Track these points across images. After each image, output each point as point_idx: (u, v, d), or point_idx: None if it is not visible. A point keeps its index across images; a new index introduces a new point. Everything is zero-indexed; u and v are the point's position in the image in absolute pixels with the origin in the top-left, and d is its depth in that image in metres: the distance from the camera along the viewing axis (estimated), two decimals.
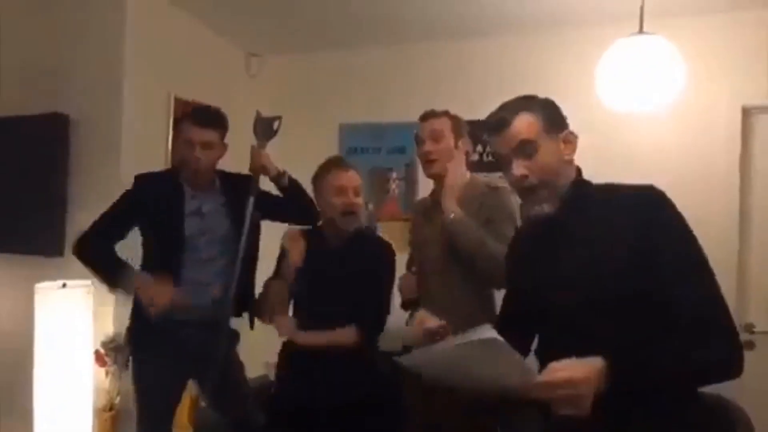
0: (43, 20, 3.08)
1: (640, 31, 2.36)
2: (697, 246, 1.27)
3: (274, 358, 2.99)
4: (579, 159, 1.43)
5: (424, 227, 2.14)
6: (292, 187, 2.35)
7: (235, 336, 2.39)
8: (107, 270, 2.17)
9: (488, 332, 1.08)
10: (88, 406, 2.45)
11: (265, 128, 2.35)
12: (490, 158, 3.20)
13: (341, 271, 2.11)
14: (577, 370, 1.13)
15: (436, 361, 1.22)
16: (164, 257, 2.19)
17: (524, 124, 1.38)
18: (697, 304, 1.22)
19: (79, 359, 2.44)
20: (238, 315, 2.34)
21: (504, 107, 1.43)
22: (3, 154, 3.02)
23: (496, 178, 2.07)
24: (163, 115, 3.18)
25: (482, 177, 2.19)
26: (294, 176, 2.39)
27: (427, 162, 2.06)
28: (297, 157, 2.45)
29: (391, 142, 3.46)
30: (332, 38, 3.52)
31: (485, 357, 1.11)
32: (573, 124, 1.43)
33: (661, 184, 1.42)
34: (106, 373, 2.73)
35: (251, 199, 2.26)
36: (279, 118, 2.36)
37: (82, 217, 2.93)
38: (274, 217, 2.41)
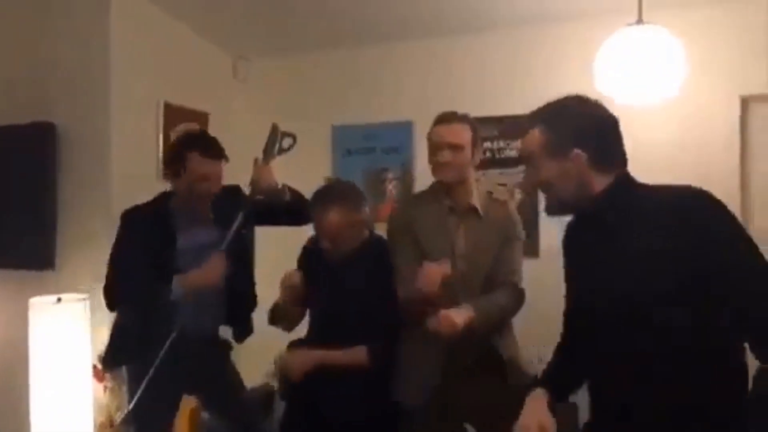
0: (27, 28, 3.01)
1: (639, 20, 2.33)
2: (751, 245, 1.26)
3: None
4: None
5: (438, 233, 2.04)
6: (293, 201, 2.29)
7: (227, 346, 2.35)
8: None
9: None
10: (88, 424, 2.38)
11: (277, 144, 2.26)
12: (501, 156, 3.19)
13: (351, 284, 2.09)
14: None
15: None
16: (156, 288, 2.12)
17: (531, 139, 1.45)
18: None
19: (77, 375, 2.37)
20: (228, 324, 2.32)
21: (516, 121, 1.47)
22: None
23: (493, 184, 2.16)
24: (152, 121, 3.12)
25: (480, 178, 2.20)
26: (286, 180, 2.33)
27: (442, 168, 2.01)
28: (290, 161, 2.40)
29: (385, 142, 3.42)
30: (322, 39, 3.47)
31: None
32: None
33: (660, 176, 1.45)
34: (105, 389, 2.67)
35: (240, 216, 2.19)
36: (292, 135, 2.27)
37: (72, 229, 2.88)
38: (268, 224, 2.37)
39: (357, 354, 2.03)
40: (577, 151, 1.41)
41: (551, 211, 1.49)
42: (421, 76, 3.40)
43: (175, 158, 2.18)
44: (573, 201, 1.43)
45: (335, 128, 3.57)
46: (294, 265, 2.27)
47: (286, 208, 2.30)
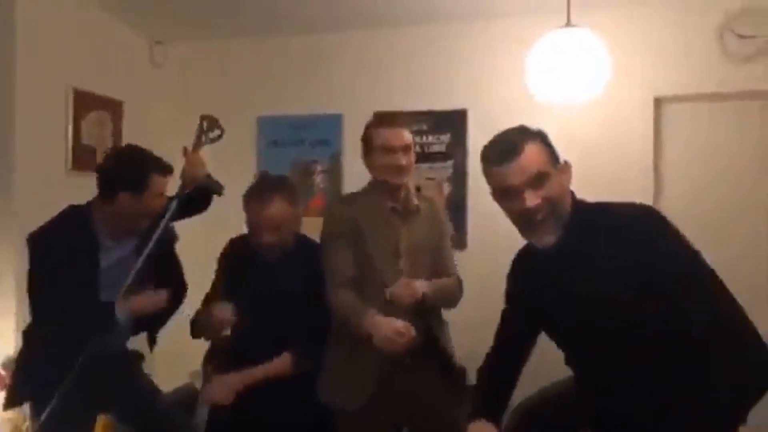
0: None
1: (568, 23, 2.40)
2: (702, 265, 1.30)
3: (197, 367, 2.87)
4: None
5: (383, 234, 2.01)
6: (214, 190, 2.22)
7: (137, 357, 2.26)
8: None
9: None
10: None
11: (208, 132, 2.18)
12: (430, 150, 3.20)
13: (278, 287, 2.05)
14: None
15: None
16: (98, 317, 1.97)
17: (535, 153, 1.38)
18: (720, 324, 1.23)
19: None
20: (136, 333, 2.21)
21: (507, 136, 1.42)
22: None
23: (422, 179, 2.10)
24: (61, 109, 2.89)
25: None
26: (210, 173, 2.23)
27: (399, 174, 1.99)
28: (213, 152, 2.29)
29: (314, 135, 3.36)
30: (245, 24, 3.33)
31: None
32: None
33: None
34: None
35: (170, 212, 2.08)
36: (221, 127, 2.22)
37: None
38: (181, 217, 2.26)
39: (281, 364, 2.01)
40: (566, 160, 1.43)
41: (546, 232, 1.38)
42: (352, 69, 3.35)
43: (136, 176, 1.97)
44: (564, 218, 1.38)
45: (261, 119, 3.47)
46: (210, 261, 2.20)
47: (202, 197, 2.22)
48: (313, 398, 2.00)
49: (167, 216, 2.08)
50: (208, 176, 2.20)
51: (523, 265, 1.57)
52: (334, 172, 3.35)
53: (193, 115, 2.28)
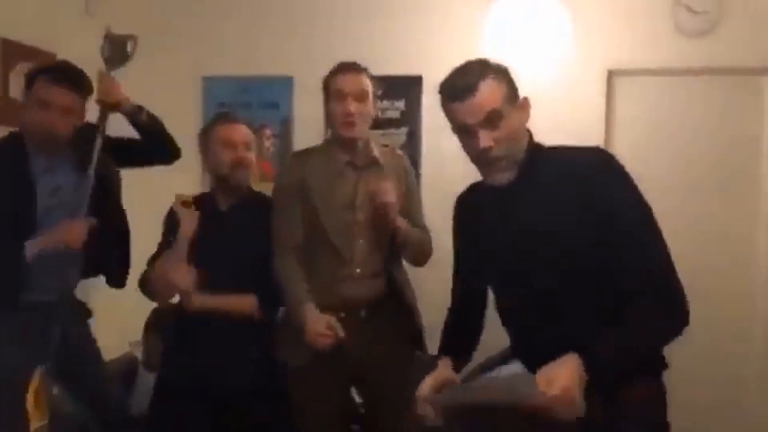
0: None
1: None
2: (647, 208, 1.31)
3: (137, 337, 2.75)
4: None
5: (336, 189, 1.96)
6: (151, 124, 2.10)
7: (83, 311, 2.14)
8: None
9: (520, 367, 1.21)
10: None
11: (116, 50, 2.06)
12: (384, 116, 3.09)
13: (235, 235, 1.97)
14: (568, 376, 1.15)
15: (472, 394, 1.29)
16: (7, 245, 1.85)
17: (490, 91, 1.32)
18: (652, 270, 1.27)
19: None
20: (91, 276, 2.11)
21: (465, 71, 1.35)
22: None
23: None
24: None
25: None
26: (139, 105, 2.10)
27: (346, 123, 1.91)
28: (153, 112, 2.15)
29: (263, 97, 3.23)
30: None
31: (513, 384, 1.20)
32: None
33: None
34: None
35: (97, 141, 1.96)
36: (133, 37, 2.08)
37: None
38: (133, 162, 2.17)
39: (245, 302, 1.95)
40: (526, 97, 1.37)
41: (503, 169, 1.34)
42: (304, 30, 3.22)
43: (26, 86, 1.94)
44: (519, 156, 1.35)
45: (206, 79, 3.31)
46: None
47: (145, 136, 2.10)
48: (268, 356, 1.96)
49: (96, 145, 1.96)
50: (138, 108, 2.05)
51: (468, 206, 1.54)
52: (285, 137, 3.24)
53: (131, 71, 2.12)
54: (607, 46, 2.93)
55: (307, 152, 2.05)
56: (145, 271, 2.01)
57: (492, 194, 1.40)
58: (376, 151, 2.00)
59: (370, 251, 1.95)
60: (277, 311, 1.99)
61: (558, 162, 1.36)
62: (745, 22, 2.84)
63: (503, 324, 1.48)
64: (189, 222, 1.92)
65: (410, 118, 3.10)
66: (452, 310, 1.61)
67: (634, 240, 1.27)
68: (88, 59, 2.10)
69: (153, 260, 2.02)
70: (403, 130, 3.12)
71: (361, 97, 1.91)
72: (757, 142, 2.94)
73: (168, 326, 2.15)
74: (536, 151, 1.39)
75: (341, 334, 1.80)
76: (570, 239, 1.29)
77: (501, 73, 1.36)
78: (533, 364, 1.25)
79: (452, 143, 2.17)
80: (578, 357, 1.18)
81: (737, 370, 2.94)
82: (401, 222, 1.92)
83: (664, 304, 1.25)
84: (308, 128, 3.16)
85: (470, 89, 1.31)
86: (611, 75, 2.99)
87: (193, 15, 3.33)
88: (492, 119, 1.31)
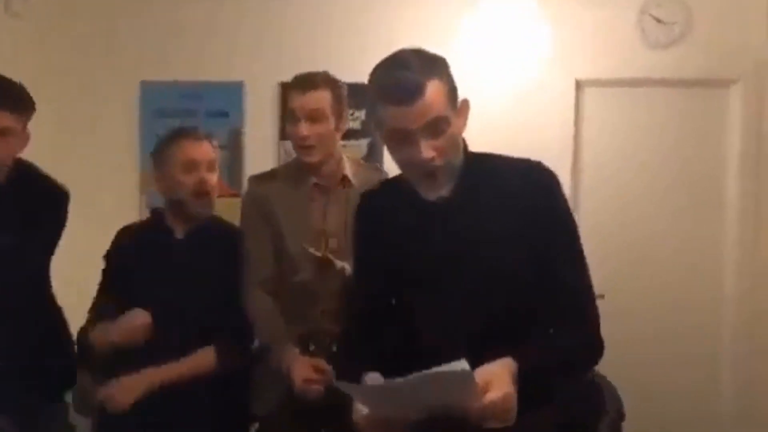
0: None
1: None
2: (577, 234, 1.27)
3: None
4: None
5: (303, 214, 1.80)
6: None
7: None
8: None
9: (463, 365, 1.02)
10: None
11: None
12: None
13: (195, 267, 1.74)
14: (507, 383, 1.07)
15: (394, 391, 1.09)
16: None
17: (436, 92, 1.15)
18: (576, 293, 1.24)
19: None
20: None
21: (404, 65, 1.15)
22: None
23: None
24: None
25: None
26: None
27: (302, 148, 1.75)
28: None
29: (211, 105, 2.99)
30: None
31: (448, 386, 1.05)
32: None
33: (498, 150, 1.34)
34: None
35: None
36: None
37: None
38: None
39: (203, 360, 1.69)
40: (465, 99, 1.23)
41: (441, 181, 1.20)
42: (257, 32, 3.00)
43: None
44: (457, 167, 1.23)
45: (145, 84, 3.04)
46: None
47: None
48: (235, 404, 1.75)
49: None
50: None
51: (383, 215, 1.34)
52: (235, 149, 3.00)
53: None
54: (576, 56, 2.90)
55: (271, 174, 1.91)
56: (85, 328, 1.75)
57: (417, 204, 1.24)
58: (348, 169, 1.83)
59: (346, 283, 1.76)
60: (246, 356, 1.77)
61: (495, 175, 1.26)
62: (712, 33, 2.85)
63: (406, 346, 1.29)
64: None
65: (371, 129, 2.91)
66: (354, 331, 1.38)
67: (561, 270, 1.22)
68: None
69: (94, 309, 1.78)
70: (364, 141, 2.95)
71: (317, 116, 1.73)
72: (721, 152, 2.97)
73: (103, 361, 1.80)
74: (473, 161, 1.27)
75: (332, 374, 1.60)
76: (504, 258, 1.21)
77: (444, 69, 1.19)
78: None
79: None
80: (513, 361, 1.10)
81: (705, 374, 2.95)
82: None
83: (584, 333, 1.22)
84: (261, 139, 2.98)
85: (416, 90, 1.13)
86: (580, 85, 2.97)
87: (131, 15, 3.05)
88: (436, 126, 1.16)
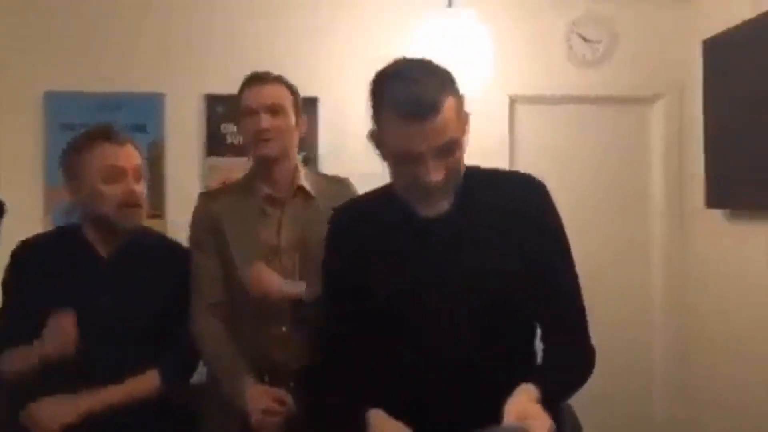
0: None
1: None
2: (569, 244, 1.28)
3: None
4: None
5: (254, 230, 1.67)
6: None
7: None
8: None
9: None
10: None
11: None
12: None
13: (125, 289, 1.56)
14: (542, 413, 1.04)
15: None
16: None
17: (450, 112, 1.11)
18: (572, 304, 1.24)
19: None
20: None
21: (423, 83, 1.09)
22: None
23: None
24: None
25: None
26: None
27: (260, 141, 1.65)
28: None
29: (127, 118, 2.72)
30: None
31: None
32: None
33: None
34: None
35: None
36: None
37: None
38: None
39: (146, 384, 1.54)
40: (468, 112, 1.19)
41: (441, 199, 1.16)
42: (178, 42, 2.81)
43: None
44: (458, 183, 1.19)
45: (50, 95, 2.77)
46: None
47: None
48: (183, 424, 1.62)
49: None
50: None
51: (363, 233, 1.26)
52: (155, 164, 2.76)
53: None
54: (510, 73, 2.92)
55: (221, 190, 1.84)
56: None
57: (413, 221, 1.19)
58: (305, 180, 1.72)
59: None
60: (188, 381, 1.65)
61: (491, 189, 1.25)
62: (636, 52, 2.95)
63: (383, 374, 1.21)
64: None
65: (305, 143, 2.77)
66: (334, 359, 1.29)
67: (557, 282, 1.23)
68: None
69: None
70: (300, 154, 2.82)
71: (277, 110, 1.67)
72: (646, 165, 3.08)
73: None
74: (469, 176, 1.23)
75: (293, 407, 1.51)
76: (504, 271, 1.19)
77: (454, 84, 1.16)
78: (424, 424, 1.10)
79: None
80: (535, 388, 1.09)
81: (637, 379, 3.02)
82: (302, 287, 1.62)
83: (581, 352, 1.24)
84: (182, 154, 2.78)
85: (433, 109, 1.07)
86: (513, 101, 2.99)
87: (34, 16, 2.77)
88: (449, 148, 1.12)
